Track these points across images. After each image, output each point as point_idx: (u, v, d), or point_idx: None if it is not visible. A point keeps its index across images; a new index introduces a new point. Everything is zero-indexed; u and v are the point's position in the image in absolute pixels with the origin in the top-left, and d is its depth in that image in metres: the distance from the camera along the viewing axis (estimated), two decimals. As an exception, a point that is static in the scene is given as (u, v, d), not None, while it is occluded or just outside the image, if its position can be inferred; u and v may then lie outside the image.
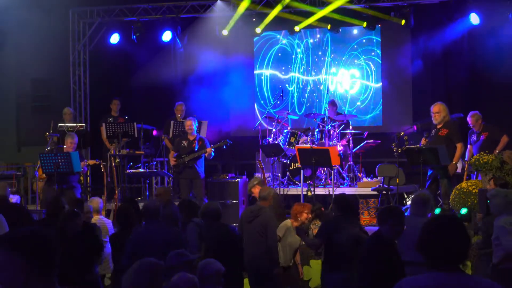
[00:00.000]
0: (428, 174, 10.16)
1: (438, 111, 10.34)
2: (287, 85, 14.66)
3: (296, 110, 14.49)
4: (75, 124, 12.79)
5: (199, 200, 11.10)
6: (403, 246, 5.98)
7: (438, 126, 10.36)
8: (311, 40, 14.59)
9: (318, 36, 14.55)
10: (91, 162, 11.67)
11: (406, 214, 7.05)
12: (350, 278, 6.21)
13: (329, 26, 13.74)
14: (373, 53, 14.24)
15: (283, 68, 14.76)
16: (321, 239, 6.91)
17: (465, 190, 9.57)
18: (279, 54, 14.79)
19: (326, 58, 14.49)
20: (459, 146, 10.26)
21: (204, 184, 11.19)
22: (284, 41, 14.74)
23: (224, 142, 11.10)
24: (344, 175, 12.13)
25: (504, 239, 6.18)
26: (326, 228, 6.91)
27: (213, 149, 10.94)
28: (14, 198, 9.10)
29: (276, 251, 7.53)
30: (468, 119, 10.80)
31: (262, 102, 14.70)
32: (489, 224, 6.72)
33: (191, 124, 11.06)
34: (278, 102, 13.68)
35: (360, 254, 5.83)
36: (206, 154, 10.94)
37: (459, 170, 10.99)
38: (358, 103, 14.27)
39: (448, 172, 10.10)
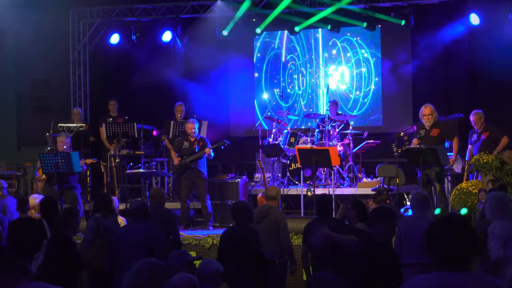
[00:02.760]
0: (419, 176, 10.20)
1: (431, 113, 10.35)
2: (288, 86, 14.66)
3: (302, 109, 14.48)
4: (75, 124, 12.79)
5: (202, 200, 11.11)
6: (409, 247, 5.94)
7: (428, 127, 10.39)
8: (311, 40, 14.59)
9: (319, 36, 14.54)
10: (89, 161, 11.68)
11: (406, 214, 7.04)
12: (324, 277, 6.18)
13: (329, 27, 13.74)
14: (373, 54, 14.24)
15: (283, 68, 14.75)
16: (304, 243, 7.02)
17: (465, 190, 9.58)
18: (279, 55, 14.78)
19: (326, 57, 14.48)
20: (455, 140, 10.37)
21: (207, 184, 11.19)
22: (284, 42, 14.73)
23: (222, 143, 11.11)
24: (344, 175, 12.13)
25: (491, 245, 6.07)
26: (304, 230, 7.03)
27: (211, 150, 10.96)
28: (38, 198, 9.11)
29: (291, 248, 7.55)
30: (471, 117, 10.79)
31: (259, 111, 14.69)
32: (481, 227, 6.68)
33: (194, 127, 11.08)
34: (274, 103, 13.67)
35: (348, 254, 5.78)
36: (206, 155, 10.97)
37: (459, 170, 11.01)
38: (360, 99, 14.25)
39: (439, 172, 10.09)
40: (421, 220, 6.23)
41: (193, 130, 11.06)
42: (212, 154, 11.06)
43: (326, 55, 14.49)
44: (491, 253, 6.00)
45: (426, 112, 10.36)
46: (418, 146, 10.11)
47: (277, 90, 14.40)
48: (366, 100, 14.27)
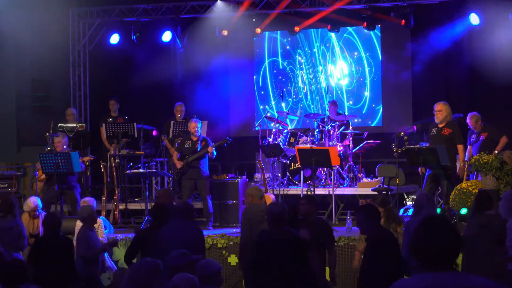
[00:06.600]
0: (427, 174, 10.16)
1: (440, 110, 10.37)
2: (289, 85, 14.66)
3: (309, 109, 14.47)
4: (75, 125, 12.79)
5: (204, 200, 11.12)
6: None
7: (440, 126, 10.37)
8: (310, 40, 14.58)
9: (318, 35, 14.53)
10: (86, 158, 11.67)
11: (406, 215, 7.07)
12: None
13: (329, 26, 13.74)
14: (372, 54, 14.23)
15: (284, 68, 14.75)
16: None
17: (465, 190, 9.58)
18: (279, 55, 14.78)
19: (326, 57, 14.48)
20: (461, 147, 10.29)
21: (209, 183, 11.20)
22: (284, 42, 14.73)
23: (224, 140, 11.13)
24: (344, 175, 12.13)
25: None
26: None
27: (214, 148, 10.97)
28: (34, 203, 9.08)
29: None
30: (468, 121, 10.79)
31: (261, 107, 14.69)
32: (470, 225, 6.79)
33: (197, 126, 11.11)
34: (274, 103, 13.67)
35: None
36: (209, 154, 10.99)
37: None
38: (361, 100, 14.25)
39: (449, 173, 10.09)
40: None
41: (196, 129, 11.09)
42: (215, 153, 11.08)
43: (326, 55, 14.48)
44: (509, 249, 6.11)
45: (436, 108, 10.41)
46: (419, 146, 10.11)
47: (278, 90, 14.40)
48: (366, 99, 14.27)
